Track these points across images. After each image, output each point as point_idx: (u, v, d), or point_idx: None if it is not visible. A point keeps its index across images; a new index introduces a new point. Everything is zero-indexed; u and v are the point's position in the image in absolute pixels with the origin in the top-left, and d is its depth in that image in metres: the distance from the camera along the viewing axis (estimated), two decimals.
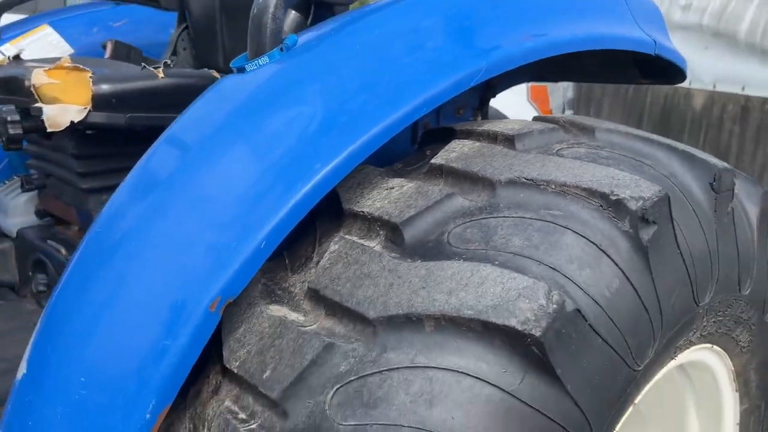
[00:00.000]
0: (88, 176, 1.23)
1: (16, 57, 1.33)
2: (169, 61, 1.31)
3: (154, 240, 0.74)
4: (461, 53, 0.87)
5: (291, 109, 0.78)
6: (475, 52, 0.88)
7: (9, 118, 1.18)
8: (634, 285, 0.80)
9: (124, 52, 1.64)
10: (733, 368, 1.19)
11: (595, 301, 0.75)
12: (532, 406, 0.70)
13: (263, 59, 0.85)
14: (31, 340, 0.76)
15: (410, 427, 0.68)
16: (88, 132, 1.14)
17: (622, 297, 0.79)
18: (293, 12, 0.93)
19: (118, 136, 1.17)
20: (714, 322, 1.02)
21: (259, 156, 0.76)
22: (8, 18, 1.69)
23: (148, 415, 0.67)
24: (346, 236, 0.85)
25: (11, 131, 1.19)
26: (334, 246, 0.83)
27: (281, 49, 0.86)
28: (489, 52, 0.88)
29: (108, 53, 1.61)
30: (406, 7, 0.91)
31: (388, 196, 0.87)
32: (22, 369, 0.74)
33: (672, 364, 0.99)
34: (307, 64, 0.84)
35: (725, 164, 1.00)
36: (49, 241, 1.36)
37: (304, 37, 0.89)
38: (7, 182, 1.58)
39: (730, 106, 4.36)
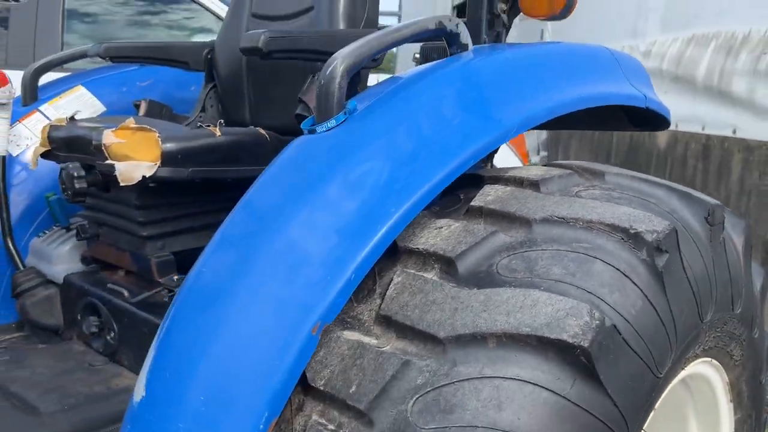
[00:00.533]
0: (148, 224, 1.35)
1: (72, 118, 1.45)
2: (222, 121, 1.44)
3: (259, 277, 0.86)
4: (499, 113, 1.03)
5: (363, 164, 0.92)
6: (510, 112, 1.04)
7: (75, 174, 1.30)
8: (653, 304, 0.95)
9: (156, 110, 1.77)
10: (728, 380, 1.35)
11: (624, 318, 0.90)
12: (581, 407, 0.84)
13: (331, 122, 0.99)
14: (146, 369, 0.87)
15: (484, 427, 0.81)
16: (151, 184, 1.26)
17: (644, 314, 0.93)
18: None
19: (177, 188, 1.30)
20: (713, 337, 1.17)
21: (342, 203, 0.89)
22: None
23: (261, 426, 0.79)
24: (406, 270, 0.98)
25: (77, 186, 1.30)
26: (397, 278, 0.97)
27: (344, 113, 1.00)
28: (521, 112, 1.04)
29: (142, 111, 1.74)
30: (449, 76, 1.07)
31: (439, 234, 1.01)
32: (140, 392, 0.85)
33: (682, 374, 1.14)
34: (370, 125, 0.98)
35: (716, 201, 1.17)
36: (103, 285, 1.46)
37: (361, 102, 1.03)
38: (47, 232, 1.67)
39: (692, 145, 4.64)
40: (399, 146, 0.95)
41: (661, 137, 5.11)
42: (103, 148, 1.23)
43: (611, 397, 0.86)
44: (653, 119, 1.48)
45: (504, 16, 1.54)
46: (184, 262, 1.41)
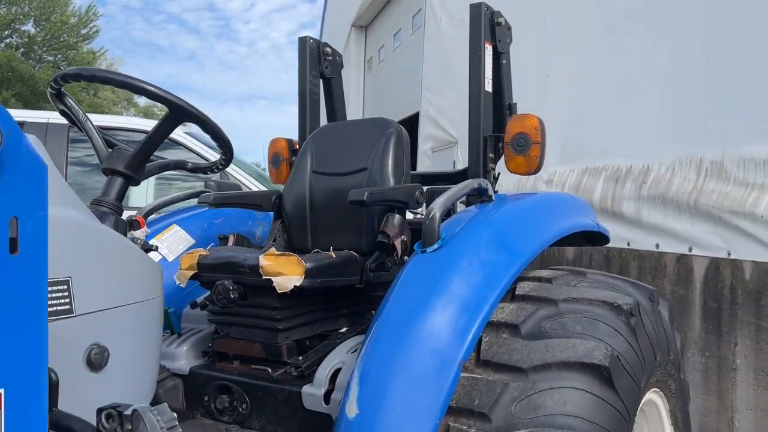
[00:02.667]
0: (283, 320, 1.88)
1: (225, 242, 2.02)
2: (332, 253, 2.02)
3: (421, 334, 1.46)
4: (529, 241, 1.73)
5: (463, 271, 1.57)
6: (535, 240, 1.74)
7: (231, 288, 1.85)
8: (632, 346, 1.62)
9: (240, 241, 2.35)
10: (669, 408, 2.02)
11: (619, 352, 1.56)
12: (607, 402, 1.47)
13: (434, 246, 1.64)
14: (353, 399, 1.42)
15: (557, 414, 1.42)
16: (281, 291, 1.81)
17: (628, 351, 1.61)
18: None
19: (307, 292, 1.86)
20: (660, 373, 1.86)
21: (458, 295, 1.52)
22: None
23: (437, 420, 1.37)
24: (490, 333, 1.61)
25: (232, 296, 1.86)
26: (485, 338, 1.59)
27: (441, 241, 1.66)
28: (541, 239, 1.75)
29: (231, 242, 2.32)
30: (496, 217, 1.77)
31: (503, 312, 1.65)
32: (354, 410, 1.40)
33: (644, 398, 1.80)
34: (458, 249, 1.64)
35: (653, 287, 1.90)
36: (231, 371, 1.96)
37: (447, 232, 1.69)
38: (164, 334, 2.15)
39: (595, 255, 5.57)
40: (485, 258, 1.61)
41: (568, 250, 6.05)
42: (259, 268, 1.80)
43: (621, 397, 1.51)
44: (599, 238, 2.23)
45: (493, 172, 2.29)
46: (299, 347, 1.96)
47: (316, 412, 1.75)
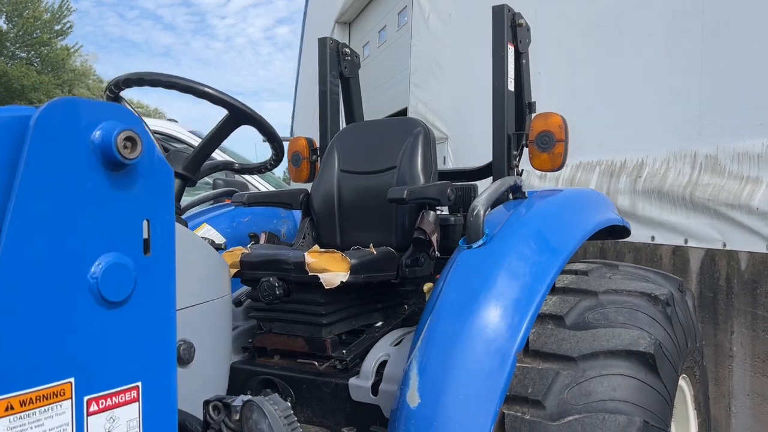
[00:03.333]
0: (327, 314, 1.94)
1: (257, 241, 2.05)
2: (372, 249, 2.07)
3: (476, 325, 1.53)
4: (569, 236, 1.80)
5: (512, 257, 1.64)
6: (574, 234, 1.82)
7: (276, 284, 1.90)
8: (669, 334, 1.71)
9: (272, 239, 2.39)
10: (693, 393, 2.12)
11: (659, 340, 1.65)
12: (651, 386, 1.56)
13: (479, 242, 1.71)
14: (414, 384, 1.48)
15: (607, 400, 1.50)
16: (328, 287, 1.87)
17: (666, 340, 1.69)
18: None
19: (350, 288, 1.92)
20: (688, 360, 1.95)
21: (509, 286, 1.59)
22: None
23: (496, 408, 1.44)
24: (537, 325, 1.68)
25: (277, 292, 1.90)
26: (533, 330, 1.66)
27: (485, 236, 1.73)
28: (579, 234, 1.83)
29: (263, 240, 2.36)
30: (533, 214, 1.84)
31: (547, 303, 1.73)
32: (416, 399, 1.46)
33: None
34: (503, 244, 1.71)
35: (680, 278, 1.99)
36: (273, 365, 2.01)
37: (490, 229, 1.76)
38: None
39: (591, 248, 5.68)
40: (529, 254, 1.68)
41: None
42: (305, 265, 1.85)
43: (663, 382, 1.59)
44: (620, 231, 2.32)
45: (517, 169, 2.36)
46: (340, 341, 2.01)
47: (363, 403, 1.81)
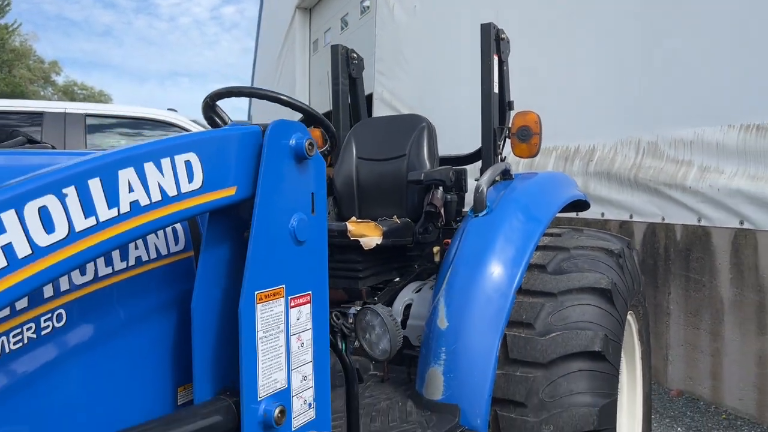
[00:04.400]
0: (362, 270, 2.50)
1: None
2: (396, 219, 2.65)
3: (486, 269, 2.13)
4: (548, 208, 2.42)
5: (509, 223, 2.25)
6: (551, 207, 2.43)
7: None
8: (621, 277, 2.35)
9: None
10: (638, 327, 2.79)
11: (614, 281, 2.29)
12: (610, 313, 2.19)
13: (484, 212, 2.31)
14: (442, 312, 2.07)
15: (580, 321, 2.13)
16: (367, 248, 2.43)
17: (619, 281, 2.33)
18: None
19: (380, 249, 2.49)
20: (635, 300, 2.61)
21: (506, 244, 2.20)
22: None
23: (502, 329, 2.05)
24: (526, 273, 2.30)
25: None
26: (525, 275, 2.28)
27: (488, 208, 2.33)
28: (556, 205, 2.45)
29: None
30: (522, 191, 2.45)
31: (534, 256, 2.34)
32: (444, 323, 2.05)
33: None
34: (502, 214, 2.31)
35: (629, 239, 2.64)
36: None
37: (491, 202, 2.36)
38: None
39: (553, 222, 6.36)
40: (520, 221, 2.29)
41: None
42: (347, 232, 2.41)
43: (617, 310, 2.23)
44: (582, 205, 2.96)
45: (500, 155, 2.97)
46: (371, 291, 2.59)
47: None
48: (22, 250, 0.90)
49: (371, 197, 2.97)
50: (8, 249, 0.88)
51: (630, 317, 2.67)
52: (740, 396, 4.36)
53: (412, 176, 2.56)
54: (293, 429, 1.35)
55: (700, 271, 4.70)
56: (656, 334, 5.07)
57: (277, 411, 1.27)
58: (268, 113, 13.96)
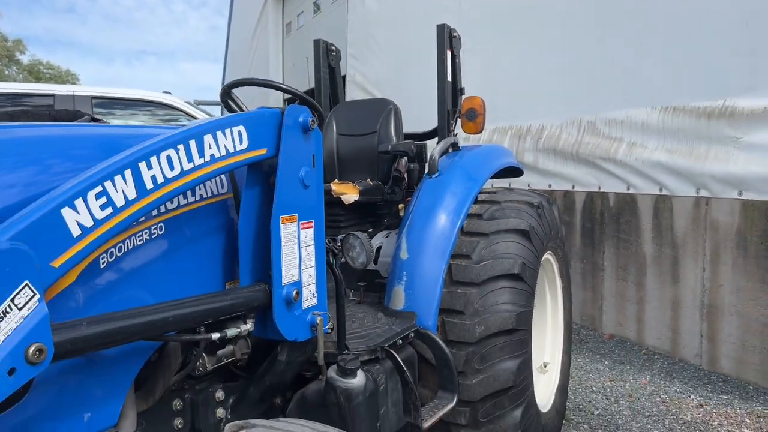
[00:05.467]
0: (343, 221, 3.23)
1: None
2: (370, 181, 3.39)
3: (437, 215, 2.88)
4: (486, 170, 3.18)
5: (454, 186, 3.00)
6: (489, 170, 3.20)
7: None
8: (539, 223, 3.14)
9: None
10: (558, 267, 3.59)
11: (534, 225, 3.07)
12: (528, 248, 2.98)
13: (437, 175, 3.07)
14: (404, 247, 2.82)
15: (504, 252, 2.90)
16: (347, 204, 3.17)
17: (537, 225, 3.12)
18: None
19: (357, 205, 3.22)
20: (553, 242, 3.40)
21: (454, 198, 2.96)
22: None
23: (447, 259, 2.81)
24: (466, 218, 3.07)
25: None
26: (466, 221, 3.05)
27: (439, 172, 3.09)
28: (492, 169, 3.21)
29: None
30: (466, 158, 3.20)
31: (473, 207, 3.12)
32: (405, 254, 2.80)
33: (544, 256, 3.34)
34: (449, 176, 3.07)
35: (548, 196, 3.42)
36: None
37: (442, 166, 3.12)
38: None
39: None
40: (462, 182, 3.05)
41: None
42: (331, 190, 3.13)
43: (534, 246, 3.01)
44: (517, 171, 3.74)
45: (453, 132, 3.73)
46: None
47: (369, 270, 3.15)
48: (159, 177, 1.61)
49: (349, 165, 3.70)
50: (153, 178, 1.60)
51: (550, 256, 3.45)
52: (658, 336, 5.23)
53: (381, 148, 3.30)
54: (303, 308, 2.08)
55: (628, 232, 5.54)
56: (593, 287, 5.92)
57: (294, 292, 2.01)
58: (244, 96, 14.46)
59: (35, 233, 1.30)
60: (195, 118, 5.54)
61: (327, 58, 4.09)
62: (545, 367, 3.53)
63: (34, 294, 1.27)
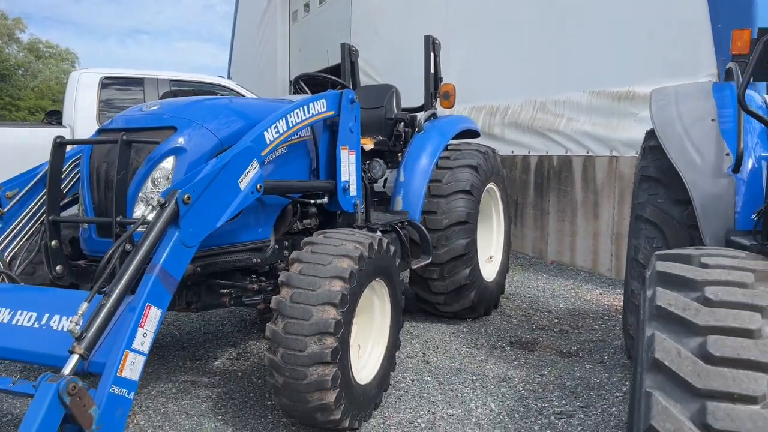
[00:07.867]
0: (364, 162, 5.23)
1: None
2: (381, 137, 5.40)
3: (416, 161, 4.90)
4: (450, 130, 5.20)
5: (430, 140, 5.02)
6: (453, 130, 5.21)
7: None
8: (484, 161, 5.18)
9: None
10: (500, 194, 5.63)
11: (481, 164, 5.10)
12: (479, 177, 5.01)
13: (422, 132, 5.10)
14: (402, 173, 4.83)
15: (464, 180, 4.93)
16: (366, 150, 5.16)
17: (484, 164, 5.17)
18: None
19: (372, 151, 5.22)
20: (494, 176, 5.45)
21: (429, 147, 4.97)
22: None
23: (427, 181, 4.85)
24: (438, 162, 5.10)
25: None
26: (438, 164, 5.08)
27: (423, 130, 5.12)
28: (456, 129, 5.23)
29: None
30: (443, 124, 5.22)
31: (442, 153, 5.14)
32: (403, 178, 4.81)
33: (487, 186, 5.38)
34: (429, 134, 5.09)
35: (493, 148, 5.45)
36: None
37: (425, 128, 5.15)
38: None
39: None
40: (437, 137, 5.07)
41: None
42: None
43: (481, 176, 5.05)
44: (475, 134, 5.77)
45: (434, 107, 5.75)
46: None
47: (380, 192, 5.19)
48: (291, 122, 3.62)
49: (366, 127, 5.72)
50: (288, 123, 3.61)
51: (494, 186, 5.48)
52: (584, 258, 7.32)
53: (387, 116, 5.32)
54: (350, 195, 4.10)
55: (566, 184, 7.60)
56: (541, 227, 7.99)
57: (346, 185, 4.03)
58: (254, 79, 16.34)
59: (257, 139, 3.31)
60: (243, 95, 7.52)
61: (350, 56, 6.09)
62: (491, 259, 5.59)
63: (256, 165, 3.28)
